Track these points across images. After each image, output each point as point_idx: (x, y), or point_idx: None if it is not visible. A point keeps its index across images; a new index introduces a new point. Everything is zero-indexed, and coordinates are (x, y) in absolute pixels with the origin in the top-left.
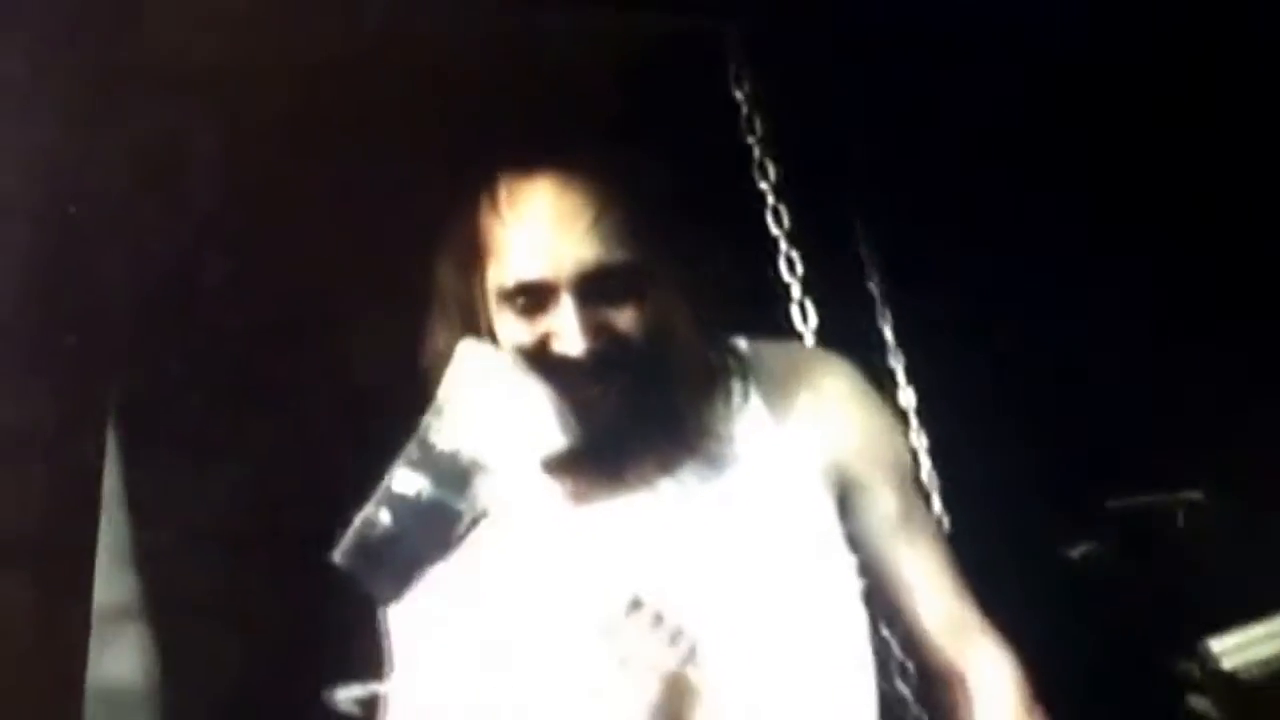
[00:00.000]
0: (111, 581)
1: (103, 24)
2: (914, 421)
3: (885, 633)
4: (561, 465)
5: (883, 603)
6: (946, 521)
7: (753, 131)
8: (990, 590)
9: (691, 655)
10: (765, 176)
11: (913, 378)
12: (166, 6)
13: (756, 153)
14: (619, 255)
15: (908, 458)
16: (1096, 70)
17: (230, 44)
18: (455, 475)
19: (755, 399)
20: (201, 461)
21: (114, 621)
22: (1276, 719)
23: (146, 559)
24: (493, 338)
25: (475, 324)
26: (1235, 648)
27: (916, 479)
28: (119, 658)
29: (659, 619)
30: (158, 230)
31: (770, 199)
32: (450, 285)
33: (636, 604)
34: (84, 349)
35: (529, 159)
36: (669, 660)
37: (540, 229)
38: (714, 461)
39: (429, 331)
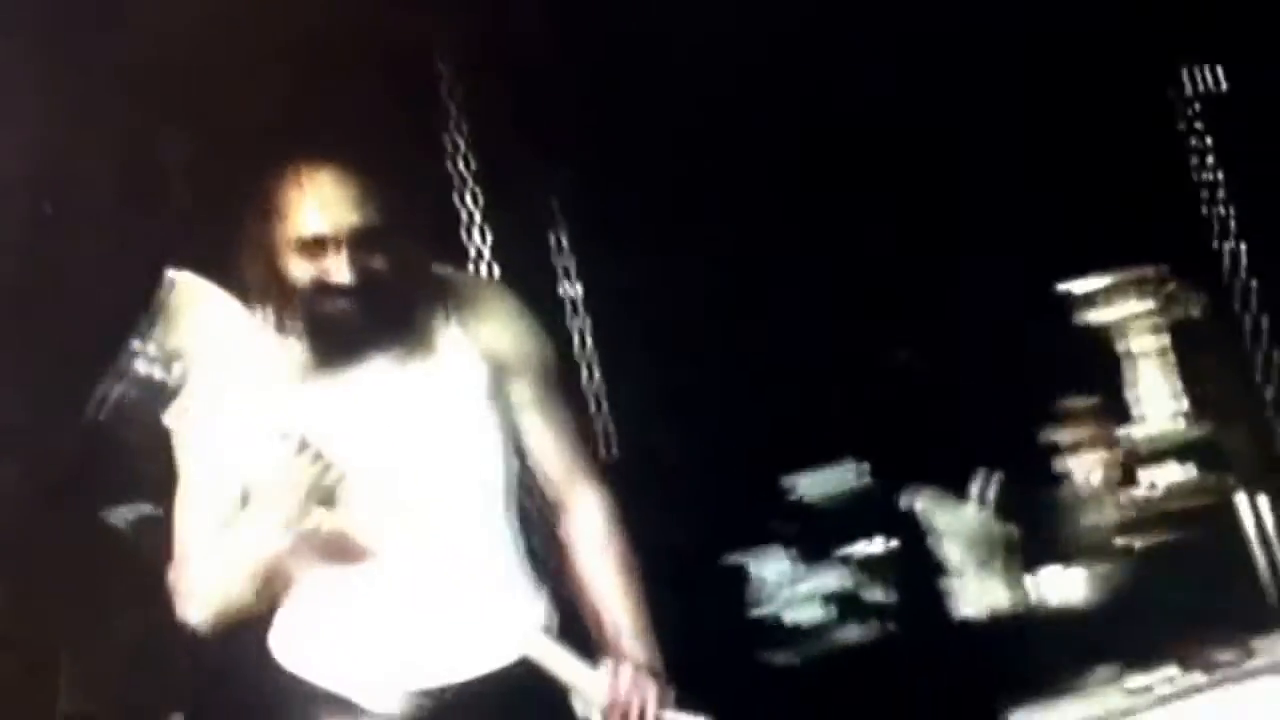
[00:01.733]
0: None
1: (86, 26)
2: (580, 309)
3: (528, 485)
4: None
5: (520, 454)
6: (603, 392)
7: (453, 97)
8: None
9: (340, 478)
10: (460, 130)
11: (580, 276)
12: (148, 9)
13: (453, 111)
14: (375, 220)
15: (548, 358)
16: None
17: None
18: (176, 361)
19: (452, 312)
20: None
21: None
22: None
23: None
24: (286, 271)
25: (274, 262)
26: None
27: (558, 371)
28: None
29: (318, 455)
30: (138, 230)
31: (463, 148)
32: (257, 234)
33: (304, 444)
34: (64, 349)
35: (320, 152)
36: (320, 479)
37: (326, 200)
38: (420, 355)
39: (240, 266)
